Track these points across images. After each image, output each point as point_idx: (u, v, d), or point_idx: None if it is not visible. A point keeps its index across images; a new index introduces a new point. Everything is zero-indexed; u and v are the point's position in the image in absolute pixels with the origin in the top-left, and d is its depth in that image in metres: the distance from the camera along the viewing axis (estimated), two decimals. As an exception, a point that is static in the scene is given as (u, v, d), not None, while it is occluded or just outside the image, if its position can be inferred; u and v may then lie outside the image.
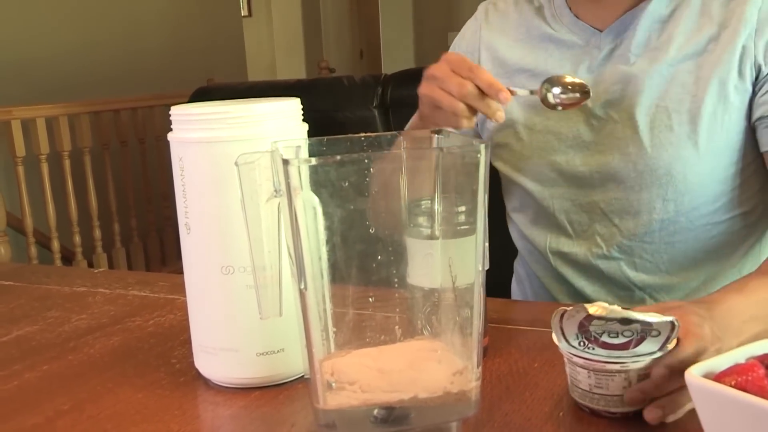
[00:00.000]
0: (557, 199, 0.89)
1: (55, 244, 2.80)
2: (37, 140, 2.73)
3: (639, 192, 0.84)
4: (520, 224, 0.96)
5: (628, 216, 0.86)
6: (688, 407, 0.51)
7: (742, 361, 0.43)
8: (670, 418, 0.51)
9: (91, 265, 2.97)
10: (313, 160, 0.45)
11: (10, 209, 2.69)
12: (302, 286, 0.45)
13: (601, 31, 0.86)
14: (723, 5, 0.81)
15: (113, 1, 3.48)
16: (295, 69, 5.24)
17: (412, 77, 1.10)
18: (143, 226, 3.27)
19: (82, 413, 0.57)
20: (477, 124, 0.95)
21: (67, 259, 2.92)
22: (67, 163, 2.84)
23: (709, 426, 0.43)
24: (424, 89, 0.76)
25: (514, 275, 1.05)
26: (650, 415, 0.50)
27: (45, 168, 2.76)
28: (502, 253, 0.98)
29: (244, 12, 4.69)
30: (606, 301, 0.54)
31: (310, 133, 0.60)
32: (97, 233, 2.99)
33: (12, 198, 2.76)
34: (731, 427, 0.41)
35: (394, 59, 5.04)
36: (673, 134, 0.81)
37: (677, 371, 0.48)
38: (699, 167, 0.81)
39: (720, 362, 0.43)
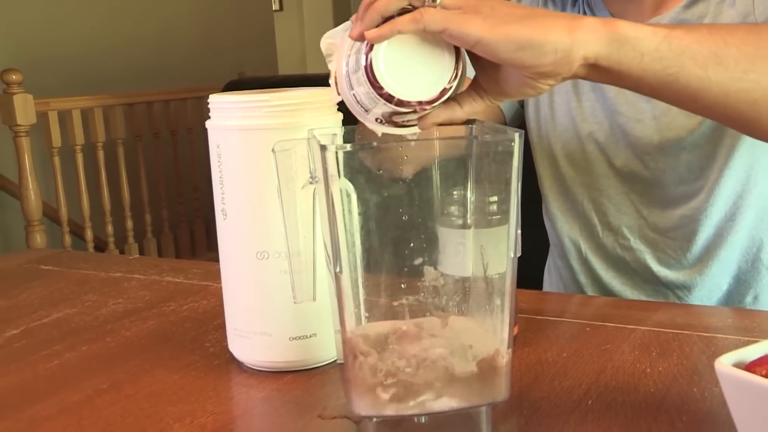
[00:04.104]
0: (587, 187, 0.90)
1: (89, 234, 2.85)
2: (72, 131, 2.78)
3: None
4: (551, 212, 0.97)
5: (656, 209, 0.86)
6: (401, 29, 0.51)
7: (773, 351, 0.43)
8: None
9: (122, 254, 3.02)
10: (349, 147, 0.46)
11: (46, 199, 2.74)
12: (337, 270, 0.46)
13: None
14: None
15: (147, -4, 3.53)
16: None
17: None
18: (174, 218, 3.31)
19: (120, 392, 0.59)
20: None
21: (100, 248, 2.98)
22: (101, 154, 2.89)
23: (739, 416, 0.43)
24: None
25: (546, 265, 1.06)
26: (372, 33, 0.51)
27: (80, 158, 2.81)
28: (535, 243, 0.98)
29: (275, 6, 4.71)
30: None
31: (344, 123, 0.61)
32: (129, 224, 3.04)
33: (48, 188, 2.82)
34: (762, 417, 0.41)
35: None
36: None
37: None
38: None
39: (750, 352, 0.43)
